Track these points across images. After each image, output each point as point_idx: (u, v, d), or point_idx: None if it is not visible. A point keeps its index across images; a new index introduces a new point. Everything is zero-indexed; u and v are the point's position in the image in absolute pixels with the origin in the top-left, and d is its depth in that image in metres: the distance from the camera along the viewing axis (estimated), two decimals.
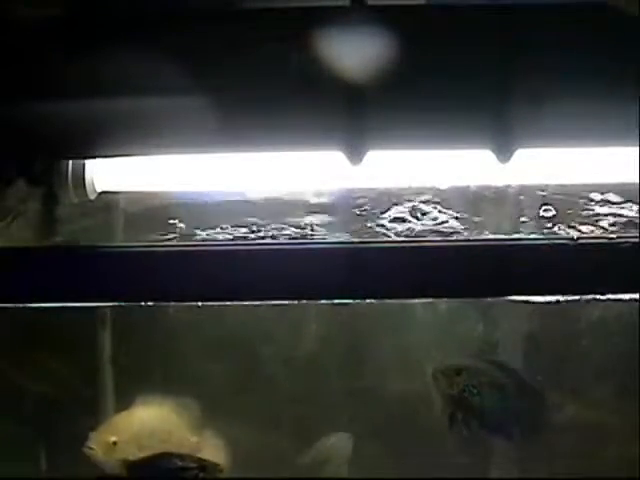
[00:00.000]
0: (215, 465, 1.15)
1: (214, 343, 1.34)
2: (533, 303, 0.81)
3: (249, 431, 1.35)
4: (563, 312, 1.31)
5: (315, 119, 0.78)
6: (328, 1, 0.77)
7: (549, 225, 0.98)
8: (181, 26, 0.78)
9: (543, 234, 0.95)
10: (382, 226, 1.02)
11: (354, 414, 1.41)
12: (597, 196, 1.02)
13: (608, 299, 0.78)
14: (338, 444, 1.28)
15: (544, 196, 1.01)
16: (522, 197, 1.01)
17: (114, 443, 1.17)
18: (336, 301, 0.80)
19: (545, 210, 1.01)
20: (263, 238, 0.99)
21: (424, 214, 1.03)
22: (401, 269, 0.77)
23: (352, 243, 0.86)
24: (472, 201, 1.02)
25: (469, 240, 0.90)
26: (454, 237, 0.98)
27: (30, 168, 0.89)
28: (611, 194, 1.02)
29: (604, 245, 0.78)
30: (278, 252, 0.79)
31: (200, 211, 1.06)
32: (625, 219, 1.00)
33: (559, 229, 0.98)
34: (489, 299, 1.25)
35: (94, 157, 0.88)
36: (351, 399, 1.41)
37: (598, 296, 0.78)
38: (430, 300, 1.28)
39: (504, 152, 0.77)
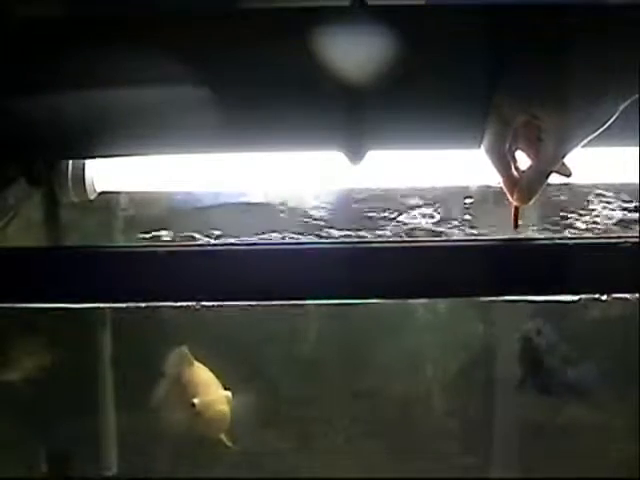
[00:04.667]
0: None
1: (213, 343, 1.34)
2: (533, 303, 0.81)
3: (249, 430, 1.35)
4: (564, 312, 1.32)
5: (315, 119, 0.78)
6: (328, 1, 0.77)
7: (549, 225, 0.98)
8: (181, 26, 0.78)
9: (543, 234, 0.95)
10: (382, 226, 1.02)
11: (355, 415, 1.41)
12: (597, 196, 1.02)
13: (608, 299, 0.78)
14: None
15: (543, 196, 1.01)
16: None
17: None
18: (336, 301, 0.80)
19: (544, 210, 1.01)
20: (263, 238, 0.99)
21: (424, 214, 1.03)
22: (401, 269, 0.77)
23: (352, 243, 0.86)
24: (472, 201, 1.02)
25: (469, 240, 0.90)
26: (454, 237, 0.98)
27: (30, 168, 0.89)
28: (611, 194, 1.02)
29: (604, 245, 0.78)
30: (278, 252, 0.79)
31: (199, 211, 1.06)
32: (624, 219, 1.00)
33: (559, 229, 0.98)
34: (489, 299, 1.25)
35: (94, 157, 0.88)
36: (353, 400, 1.41)
37: (598, 296, 0.78)
38: (430, 300, 1.28)
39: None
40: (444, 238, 0.97)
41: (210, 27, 0.78)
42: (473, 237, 0.97)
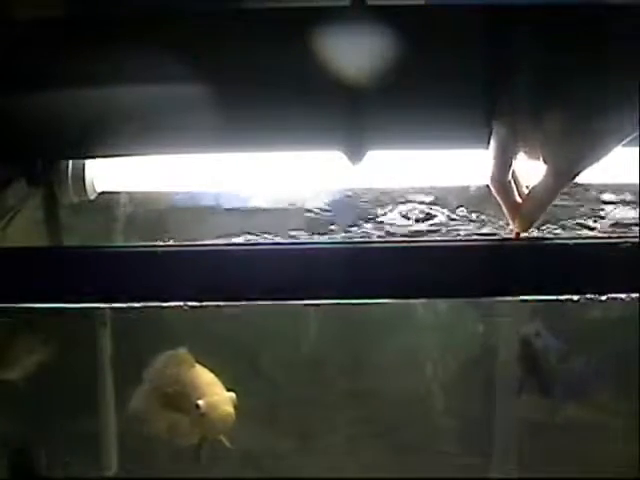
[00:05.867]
0: None
1: (214, 343, 1.34)
2: (533, 303, 0.81)
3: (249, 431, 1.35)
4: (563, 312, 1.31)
5: (315, 119, 0.78)
6: (328, 1, 0.77)
7: (549, 225, 0.98)
8: (181, 26, 0.78)
9: (543, 234, 0.95)
10: (382, 226, 1.02)
11: (355, 415, 1.41)
12: (597, 196, 1.02)
13: (608, 299, 0.78)
14: None
15: None
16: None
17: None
18: (336, 301, 0.80)
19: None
20: (263, 238, 0.99)
21: (424, 214, 1.03)
22: (401, 269, 0.77)
23: (352, 243, 0.86)
24: (472, 201, 1.02)
25: (469, 240, 0.90)
26: (454, 237, 0.98)
27: (30, 168, 0.89)
28: (611, 194, 1.02)
29: (604, 245, 0.78)
30: (278, 252, 0.79)
31: (199, 211, 1.06)
32: (624, 219, 1.00)
33: (559, 229, 0.98)
34: (489, 299, 1.25)
35: (94, 157, 0.88)
36: (353, 400, 1.41)
37: (598, 296, 0.78)
38: (430, 300, 1.28)
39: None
40: (444, 238, 0.97)
41: (210, 27, 0.78)
42: (473, 237, 0.97)
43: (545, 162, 0.75)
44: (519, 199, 0.78)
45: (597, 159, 0.74)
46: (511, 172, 0.77)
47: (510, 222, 0.78)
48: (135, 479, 1.38)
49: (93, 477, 1.39)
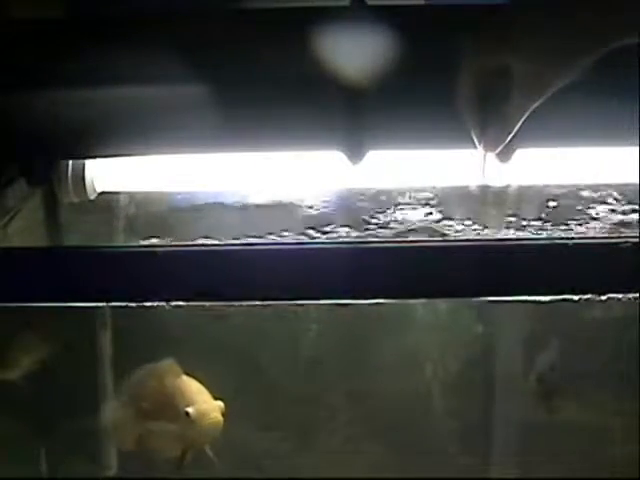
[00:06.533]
0: None
1: (213, 343, 1.34)
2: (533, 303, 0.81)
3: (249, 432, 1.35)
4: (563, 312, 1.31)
5: (315, 119, 0.78)
6: (328, 1, 0.77)
7: (549, 225, 0.98)
8: (181, 26, 0.78)
9: (543, 234, 0.95)
10: (382, 226, 1.02)
11: (355, 415, 1.41)
12: (597, 196, 1.02)
13: (608, 299, 0.78)
14: None
15: (544, 196, 1.01)
16: (522, 197, 1.01)
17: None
18: (336, 301, 0.80)
19: (545, 210, 1.01)
20: (263, 238, 0.99)
21: (424, 214, 1.03)
22: (402, 269, 0.77)
23: (352, 243, 0.86)
24: (472, 201, 1.02)
25: (469, 240, 0.90)
26: (454, 237, 0.98)
27: (30, 168, 0.89)
28: (611, 194, 1.02)
29: (604, 245, 0.78)
30: (278, 252, 0.79)
31: (199, 211, 1.06)
32: (624, 219, 1.00)
33: (559, 229, 0.98)
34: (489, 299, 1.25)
35: (94, 157, 0.88)
36: (353, 400, 1.41)
37: (598, 296, 0.78)
38: (430, 300, 1.28)
39: (505, 151, 0.77)
40: (444, 238, 0.97)
41: (210, 27, 0.78)
42: (473, 237, 0.97)
43: (512, 87, 0.74)
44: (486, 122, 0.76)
45: (564, 82, 0.73)
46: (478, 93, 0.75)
47: (476, 143, 0.77)
48: (135, 479, 1.38)
49: (93, 477, 1.39)
